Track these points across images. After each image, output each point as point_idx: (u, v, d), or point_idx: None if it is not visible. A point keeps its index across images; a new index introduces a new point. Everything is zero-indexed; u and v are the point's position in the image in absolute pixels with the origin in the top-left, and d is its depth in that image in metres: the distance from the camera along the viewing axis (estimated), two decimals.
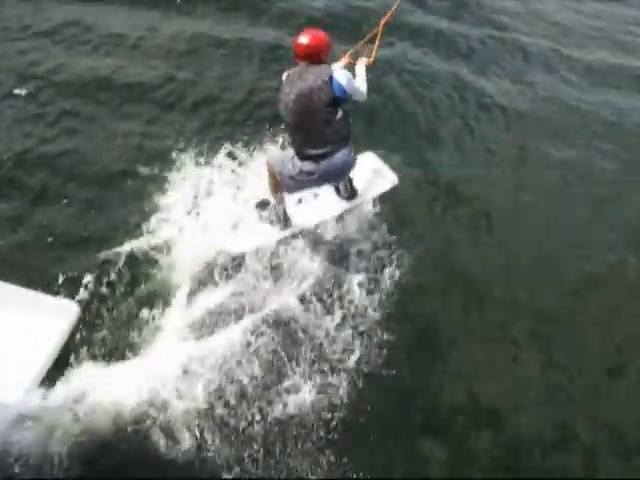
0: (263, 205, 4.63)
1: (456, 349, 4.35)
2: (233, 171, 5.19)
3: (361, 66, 4.23)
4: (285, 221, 4.59)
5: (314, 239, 4.72)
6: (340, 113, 3.95)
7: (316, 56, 3.90)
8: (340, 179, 4.47)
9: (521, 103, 7.00)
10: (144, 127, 5.87)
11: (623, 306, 4.79)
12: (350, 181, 4.75)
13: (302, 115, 3.91)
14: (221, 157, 5.29)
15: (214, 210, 4.80)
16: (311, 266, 4.54)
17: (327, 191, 4.81)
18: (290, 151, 4.22)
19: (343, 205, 4.80)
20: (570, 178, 5.93)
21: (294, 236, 4.64)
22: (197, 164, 5.26)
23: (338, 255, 4.68)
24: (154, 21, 7.49)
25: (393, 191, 5.02)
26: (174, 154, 5.38)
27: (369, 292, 4.46)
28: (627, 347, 4.49)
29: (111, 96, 6.26)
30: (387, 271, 4.62)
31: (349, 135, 4.10)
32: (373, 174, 5.03)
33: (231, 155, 5.34)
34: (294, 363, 4.04)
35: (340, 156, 4.11)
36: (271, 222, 4.61)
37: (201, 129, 5.81)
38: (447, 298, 4.67)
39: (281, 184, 4.33)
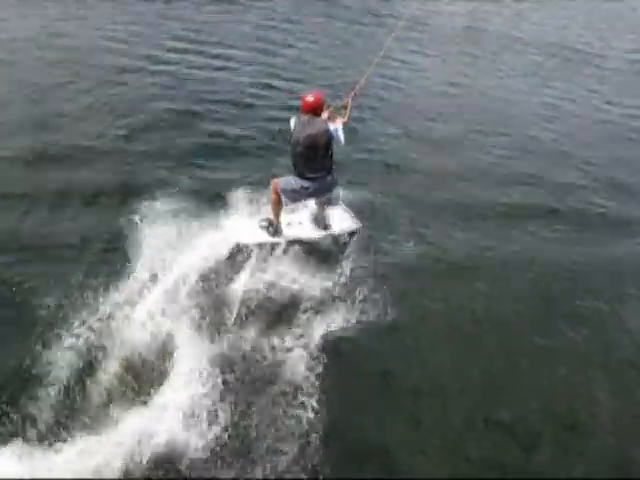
0: (266, 220, 6.59)
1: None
2: None
3: (339, 123, 6.10)
4: (277, 232, 6.53)
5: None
6: (330, 151, 6.11)
7: (318, 110, 6.02)
8: (326, 194, 6.50)
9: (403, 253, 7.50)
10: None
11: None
12: (325, 218, 6.79)
13: (307, 150, 5.99)
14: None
15: None
16: None
17: (309, 222, 6.87)
18: (290, 176, 6.26)
19: (318, 233, 6.82)
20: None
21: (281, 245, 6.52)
22: None
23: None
24: None
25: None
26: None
27: None
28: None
29: None
30: None
31: (333, 166, 6.24)
32: (343, 219, 7.03)
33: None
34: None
35: (329, 179, 6.28)
36: (269, 231, 6.52)
37: None
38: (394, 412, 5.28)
39: (283, 197, 6.27)
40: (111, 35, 13.25)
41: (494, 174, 9.98)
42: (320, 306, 6.08)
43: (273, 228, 6.53)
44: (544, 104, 14.40)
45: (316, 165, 6.11)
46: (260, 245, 6.44)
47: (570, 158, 11.20)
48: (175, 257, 6.14)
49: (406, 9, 20.70)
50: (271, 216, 6.55)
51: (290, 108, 11.10)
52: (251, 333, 5.62)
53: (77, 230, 6.71)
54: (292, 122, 6.16)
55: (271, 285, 6.23)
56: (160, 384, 5.00)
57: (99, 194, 7.34)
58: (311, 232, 6.82)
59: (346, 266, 6.71)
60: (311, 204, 6.91)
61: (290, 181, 6.26)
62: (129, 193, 7.15)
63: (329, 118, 6.14)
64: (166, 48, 13.12)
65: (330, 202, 6.82)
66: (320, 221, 6.85)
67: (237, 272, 6.28)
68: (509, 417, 5.32)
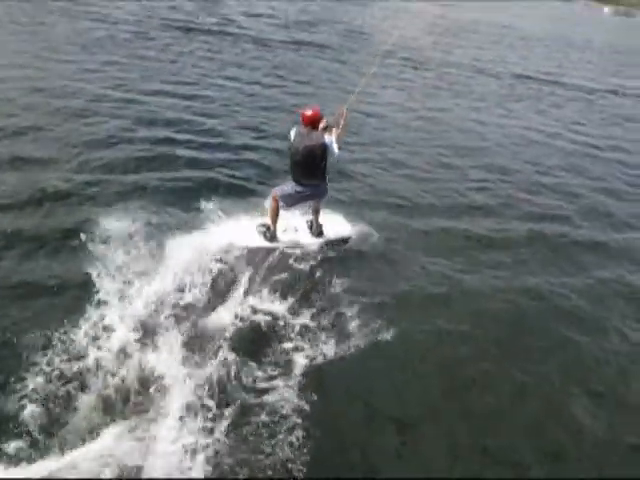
0: (263, 226, 7.20)
1: None
2: None
3: (334, 135, 6.85)
4: (273, 237, 7.17)
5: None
6: (325, 161, 6.79)
7: (316, 123, 6.74)
8: (319, 199, 7.18)
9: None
10: None
11: None
12: (320, 226, 7.44)
13: (305, 159, 6.71)
14: None
15: None
16: None
17: (304, 230, 7.52)
18: (287, 182, 7.01)
19: (312, 239, 7.42)
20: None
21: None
22: None
23: None
24: None
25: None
26: None
27: None
28: None
29: None
30: None
31: (326, 175, 6.95)
32: (336, 227, 7.65)
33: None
34: None
35: (322, 185, 6.99)
36: (265, 236, 7.14)
37: None
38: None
39: (281, 202, 6.94)
40: (78, 78, 13.17)
41: (466, 203, 10.10)
42: (306, 334, 6.06)
43: (270, 234, 7.12)
44: (509, 133, 14.89)
45: (311, 173, 6.82)
46: (255, 250, 6.91)
47: (538, 185, 11.38)
48: (150, 283, 6.18)
49: (373, 46, 21.31)
50: (268, 222, 7.13)
51: (261, 138, 11.19)
52: (235, 361, 5.52)
53: (51, 268, 6.53)
54: (292, 133, 6.85)
55: (256, 312, 6.23)
56: (138, 415, 4.87)
57: (71, 231, 7.14)
58: (306, 239, 7.39)
59: (330, 293, 6.75)
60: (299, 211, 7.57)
61: (287, 187, 6.97)
62: (100, 227, 7.01)
63: (325, 128, 6.78)
64: (134, 90, 13.02)
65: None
66: (314, 228, 7.47)
67: (220, 297, 6.31)
68: (493, 446, 5.28)
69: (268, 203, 7.21)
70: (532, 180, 11.66)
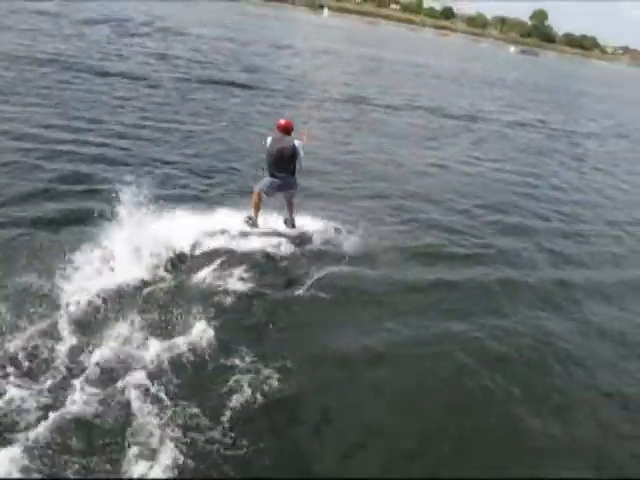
0: (247, 216, 8.95)
1: None
2: None
3: (301, 143, 8.83)
4: (255, 225, 8.98)
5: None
6: (294, 160, 8.71)
7: (290, 131, 8.73)
8: (292, 190, 8.96)
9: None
10: None
11: None
12: (293, 220, 9.21)
13: (279, 158, 8.62)
14: None
15: None
16: None
17: (281, 222, 9.29)
18: (265, 179, 8.86)
19: (287, 230, 9.20)
20: None
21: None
22: None
23: None
24: None
25: None
26: None
27: None
28: None
29: None
30: None
31: (296, 170, 8.88)
32: (307, 222, 9.51)
33: None
34: None
35: (292, 179, 8.87)
36: (248, 224, 8.92)
37: None
38: None
39: (262, 192, 8.77)
40: None
41: (391, 245, 9.72)
42: (246, 372, 5.89)
43: (252, 222, 8.94)
44: (431, 171, 15.10)
45: (283, 168, 8.73)
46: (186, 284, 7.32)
47: (461, 224, 11.43)
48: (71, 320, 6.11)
49: (299, 88, 21.52)
50: (252, 213, 8.94)
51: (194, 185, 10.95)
52: (167, 405, 5.28)
53: None
54: (268, 140, 8.72)
55: (187, 345, 6.05)
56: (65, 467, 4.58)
57: None
58: (282, 228, 9.21)
59: (272, 333, 6.73)
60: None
61: (264, 180, 8.89)
62: (21, 284, 6.71)
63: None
64: (49, 139, 11.80)
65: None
66: (289, 222, 9.29)
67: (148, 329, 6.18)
68: None
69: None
70: (454, 220, 11.62)
